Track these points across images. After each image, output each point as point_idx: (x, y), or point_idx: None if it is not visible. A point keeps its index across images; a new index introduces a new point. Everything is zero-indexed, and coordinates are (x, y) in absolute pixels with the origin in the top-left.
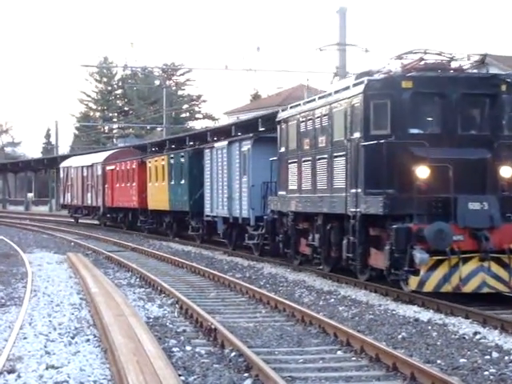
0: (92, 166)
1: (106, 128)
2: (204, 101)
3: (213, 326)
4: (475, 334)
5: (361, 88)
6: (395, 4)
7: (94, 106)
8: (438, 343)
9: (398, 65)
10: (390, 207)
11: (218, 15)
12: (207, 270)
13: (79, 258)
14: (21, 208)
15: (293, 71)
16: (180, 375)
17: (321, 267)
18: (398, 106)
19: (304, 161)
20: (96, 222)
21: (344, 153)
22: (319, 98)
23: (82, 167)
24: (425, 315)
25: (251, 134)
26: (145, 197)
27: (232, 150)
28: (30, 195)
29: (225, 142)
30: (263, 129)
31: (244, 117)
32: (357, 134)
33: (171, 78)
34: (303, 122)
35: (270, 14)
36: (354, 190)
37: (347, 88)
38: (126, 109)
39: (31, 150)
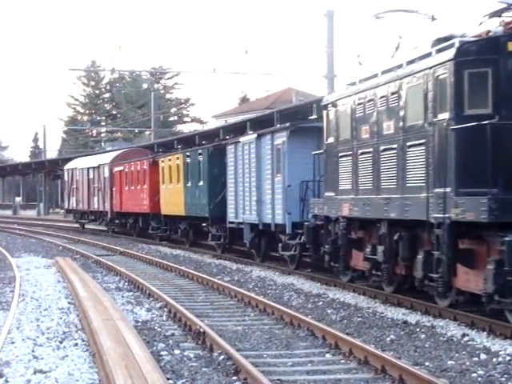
0: (98, 167)
1: (94, 132)
2: (192, 104)
3: (201, 330)
4: (463, 336)
5: (450, 54)
6: None
7: (82, 110)
8: (427, 345)
9: (497, 24)
10: (498, 212)
11: (205, 18)
12: (196, 273)
13: (67, 262)
14: (9, 212)
15: (281, 74)
16: (168, 379)
17: (374, 285)
18: (502, 75)
19: (362, 153)
20: (103, 228)
21: (423, 140)
22: (383, 72)
23: (88, 169)
24: (413, 317)
25: (287, 124)
26: (157, 201)
27: (262, 144)
28: (18, 199)
29: (253, 136)
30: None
31: (232, 120)
32: (444, 115)
33: (159, 82)
34: (360, 104)
35: (257, 18)
36: (439, 190)
37: (427, 56)
38: (113, 112)
39: (19, 153)
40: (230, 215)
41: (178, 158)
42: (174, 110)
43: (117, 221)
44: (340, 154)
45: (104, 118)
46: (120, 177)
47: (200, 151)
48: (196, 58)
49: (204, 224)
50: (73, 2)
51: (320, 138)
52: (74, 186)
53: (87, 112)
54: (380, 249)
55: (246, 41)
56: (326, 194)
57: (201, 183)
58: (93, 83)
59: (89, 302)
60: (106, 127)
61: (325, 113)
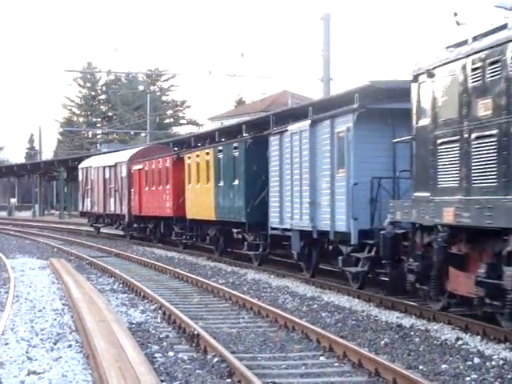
0: (115, 166)
1: (90, 133)
2: (188, 106)
3: (196, 332)
4: (457, 339)
5: None
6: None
7: (78, 112)
8: (421, 349)
9: None
10: None
11: (201, 21)
12: (190, 275)
13: (62, 263)
14: (4, 213)
15: (277, 77)
16: (162, 381)
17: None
18: None
19: (479, 137)
20: (120, 233)
21: None
22: None
23: (104, 168)
24: (407, 321)
25: (354, 106)
26: (182, 203)
27: (318, 133)
28: (13, 200)
29: (305, 122)
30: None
31: (228, 122)
32: None
33: (155, 84)
34: (477, 69)
35: (254, 20)
36: None
37: None
38: (109, 114)
39: (14, 155)
40: (273, 220)
41: (207, 153)
42: (169, 112)
43: (135, 225)
44: (440, 141)
45: (100, 119)
46: (139, 176)
47: (235, 144)
48: (192, 61)
49: (236, 230)
50: (69, 3)
51: (397, 121)
52: (89, 187)
53: (83, 113)
54: (509, 271)
55: (242, 43)
56: (416, 194)
57: (236, 182)
58: (89, 85)
59: (83, 303)
60: (102, 129)
61: (414, 86)
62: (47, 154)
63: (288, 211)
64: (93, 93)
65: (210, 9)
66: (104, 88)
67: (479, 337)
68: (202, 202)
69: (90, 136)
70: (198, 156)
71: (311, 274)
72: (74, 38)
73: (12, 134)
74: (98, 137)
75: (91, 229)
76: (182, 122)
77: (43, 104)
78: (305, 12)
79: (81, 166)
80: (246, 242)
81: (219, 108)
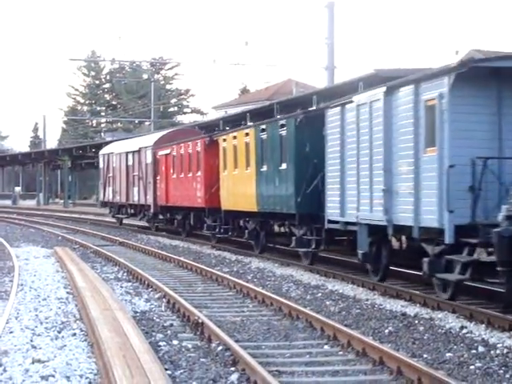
0: (139, 151)
1: (94, 122)
2: (192, 95)
3: (200, 320)
4: (462, 328)
5: None
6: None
7: (82, 100)
8: (425, 337)
9: None
10: None
11: (206, 9)
12: (195, 264)
13: (66, 252)
14: (8, 202)
15: (281, 66)
16: (166, 369)
17: None
18: None
19: None
20: (145, 225)
21: None
22: None
23: (127, 153)
24: (412, 310)
25: (453, 64)
26: (215, 192)
27: (395, 103)
28: (18, 189)
29: (378, 90)
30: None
31: (232, 111)
32: None
33: (159, 72)
34: None
35: (258, 9)
36: None
37: None
38: (114, 103)
39: (19, 143)
40: (331, 212)
41: (247, 134)
42: (174, 100)
43: (161, 216)
44: None
45: (104, 108)
46: (166, 162)
47: (283, 122)
48: (196, 49)
49: (280, 223)
50: None
51: (505, 85)
52: (110, 175)
53: (87, 102)
54: None
55: (246, 32)
56: None
57: (283, 167)
58: (93, 73)
59: (87, 292)
60: (106, 117)
61: None
62: (51, 143)
63: (352, 201)
64: (97, 81)
65: None
66: (108, 77)
67: (484, 325)
68: (240, 191)
69: (95, 125)
70: (235, 138)
71: (380, 277)
72: (79, 26)
73: (16, 123)
74: (103, 125)
75: (138, 223)
76: (186, 110)
77: (47, 93)
78: (309, 0)
79: (101, 152)
80: (294, 238)
81: (223, 97)
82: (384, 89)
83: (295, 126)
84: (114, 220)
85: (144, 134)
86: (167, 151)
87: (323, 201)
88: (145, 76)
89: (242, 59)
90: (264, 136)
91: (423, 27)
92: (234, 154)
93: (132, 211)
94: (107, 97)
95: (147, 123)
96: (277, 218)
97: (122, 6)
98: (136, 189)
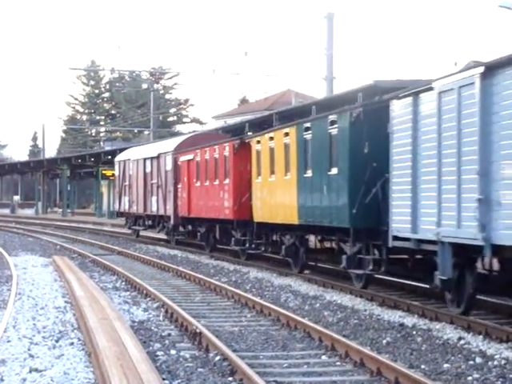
0: (158, 157)
1: (93, 131)
2: (191, 105)
3: (198, 330)
4: (459, 339)
5: None
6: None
7: (81, 109)
8: (423, 348)
9: None
10: None
11: (205, 19)
12: (193, 273)
13: (65, 261)
14: (6, 211)
15: (280, 76)
16: (164, 379)
17: None
18: None
19: None
20: (163, 237)
21: None
22: None
23: (145, 160)
24: (409, 320)
25: None
26: (245, 202)
27: (496, 88)
28: (16, 198)
29: (470, 72)
30: None
31: (232, 121)
32: None
33: (159, 82)
34: None
35: (257, 19)
36: None
37: None
38: (113, 112)
39: (18, 152)
40: (398, 226)
41: (286, 134)
42: (173, 110)
43: (182, 229)
44: None
45: (103, 117)
46: (188, 169)
47: (333, 118)
48: (196, 59)
49: (321, 237)
50: (73, 1)
51: None
52: (127, 183)
53: (86, 111)
54: None
55: (245, 42)
56: None
57: (333, 172)
58: (92, 83)
59: (85, 301)
60: (105, 127)
61: None
62: (50, 152)
63: (430, 214)
64: (96, 91)
65: (214, 7)
66: (107, 86)
67: (481, 336)
68: (277, 201)
69: (94, 134)
70: (271, 139)
71: (464, 309)
72: (78, 36)
73: (15, 132)
74: (102, 134)
75: (156, 235)
76: (185, 120)
77: (47, 102)
78: (308, 11)
79: (117, 158)
80: (344, 256)
81: (223, 106)
82: (480, 69)
83: (350, 123)
84: (113, 230)
85: (150, 141)
86: (190, 156)
87: (384, 213)
88: (144, 85)
89: (241, 69)
90: (308, 136)
91: (422, 38)
92: (271, 157)
93: (150, 223)
94: (106, 106)
95: (146, 132)
96: (323, 232)
97: (121, 16)
98: (154, 198)
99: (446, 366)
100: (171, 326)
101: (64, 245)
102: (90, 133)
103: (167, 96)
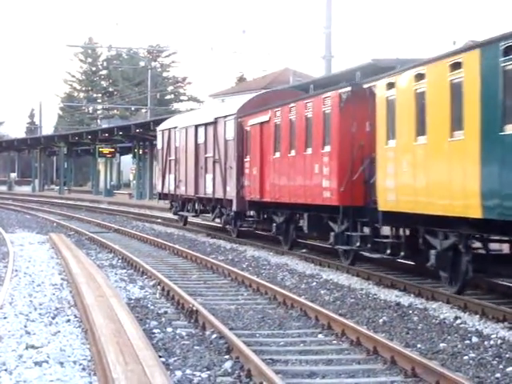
0: (215, 123)
1: (91, 109)
2: (189, 83)
3: (194, 308)
4: (456, 318)
5: None
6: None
7: (79, 87)
8: (419, 327)
9: None
10: None
11: None
12: (190, 252)
13: (61, 238)
14: (3, 188)
15: (278, 54)
16: (160, 356)
17: None
18: None
19: None
20: (217, 225)
21: None
22: None
23: (196, 127)
24: (406, 300)
25: None
26: (358, 180)
27: None
28: (13, 175)
29: None
30: None
31: (229, 99)
32: None
33: (156, 60)
34: None
35: None
36: None
37: None
38: (110, 90)
39: (14, 129)
40: None
41: (455, 66)
42: (170, 88)
43: (251, 218)
44: None
45: (100, 95)
46: (261, 136)
47: None
48: (194, 37)
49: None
50: None
51: None
52: (172, 158)
53: (84, 89)
54: None
55: (244, 20)
56: None
57: None
58: (90, 60)
59: (82, 278)
60: (103, 104)
61: None
62: (47, 129)
63: None
64: (94, 68)
65: None
66: (105, 63)
67: (478, 316)
68: (431, 179)
69: (91, 111)
70: (421, 77)
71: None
72: (76, 12)
73: (12, 109)
74: (99, 112)
75: (210, 223)
76: (182, 98)
77: (44, 79)
78: None
79: (160, 127)
80: None
81: (220, 85)
82: None
83: None
84: (110, 208)
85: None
86: (264, 118)
87: None
88: (142, 63)
89: (239, 47)
90: (509, 65)
91: (420, 17)
92: (418, 109)
93: (202, 207)
94: (104, 84)
95: (144, 111)
96: None
97: None
98: (210, 177)
99: (442, 345)
100: (167, 303)
101: (61, 222)
102: (87, 110)
103: (165, 74)
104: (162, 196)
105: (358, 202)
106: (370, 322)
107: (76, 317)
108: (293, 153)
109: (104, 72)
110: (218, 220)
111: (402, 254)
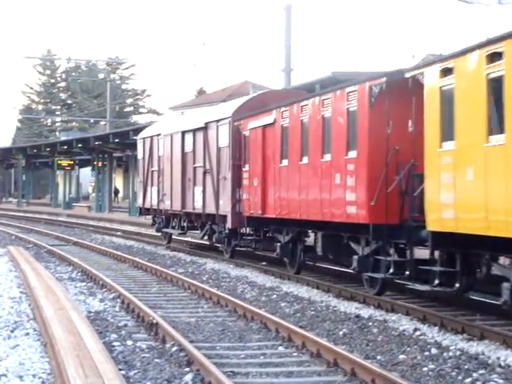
0: (206, 128)
1: (49, 121)
2: (148, 95)
3: (154, 321)
4: (415, 330)
5: None
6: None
7: (37, 99)
8: (379, 339)
9: None
10: None
11: (163, 10)
12: (149, 264)
13: (20, 251)
14: None
15: (238, 67)
16: (120, 369)
17: None
18: None
19: None
20: (206, 243)
21: None
22: None
23: (183, 134)
24: (366, 312)
25: None
26: (393, 193)
27: None
28: None
29: None
30: None
31: (189, 112)
32: None
33: (115, 72)
34: None
35: (215, 10)
36: None
37: None
38: (69, 102)
39: None
40: None
41: None
42: (130, 100)
43: (249, 236)
44: None
45: (59, 107)
46: (263, 141)
47: None
48: (153, 49)
49: None
50: None
51: None
52: (155, 169)
53: (42, 101)
54: None
55: (203, 33)
56: None
57: None
58: (48, 72)
59: (41, 291)
60: (61, 116)
61: None
62: (5, 142)
63: None
64: (52, 80)
65: None
66: (64, 75)
67: (437, 328)
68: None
69: (49, 123)
70: (494, 58)
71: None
72: (34, 24)
73: None
74: (57, 124)
75: (199, 241)
76: (142, 110)
77: (2, 91)
78: (267, 2)
79: (140, 135)
80: None
81: (180, 97)
82: None
83: None
84: (69, 220)
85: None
86: (268, 120)
87: None
88: (101, 75)
89: (198, 60)
90: None
91: (379, 31)
92: (494, 98)
93: (190, 224)
94: (62, 96)
95: (103, 123)
96: None
97: (78, 5)
98: (199, 189)
99: (401, 356)
100: (127, 316)
101: (19, 235)
102: (45, 122)
103: (124, 86)
104: (144, 211)
105: (392, 220)
106: (330, 334)
107: (35, 330)
108: (305, 160)
109: (63, 84)
110: (206, 238)
111: (457, 285)
